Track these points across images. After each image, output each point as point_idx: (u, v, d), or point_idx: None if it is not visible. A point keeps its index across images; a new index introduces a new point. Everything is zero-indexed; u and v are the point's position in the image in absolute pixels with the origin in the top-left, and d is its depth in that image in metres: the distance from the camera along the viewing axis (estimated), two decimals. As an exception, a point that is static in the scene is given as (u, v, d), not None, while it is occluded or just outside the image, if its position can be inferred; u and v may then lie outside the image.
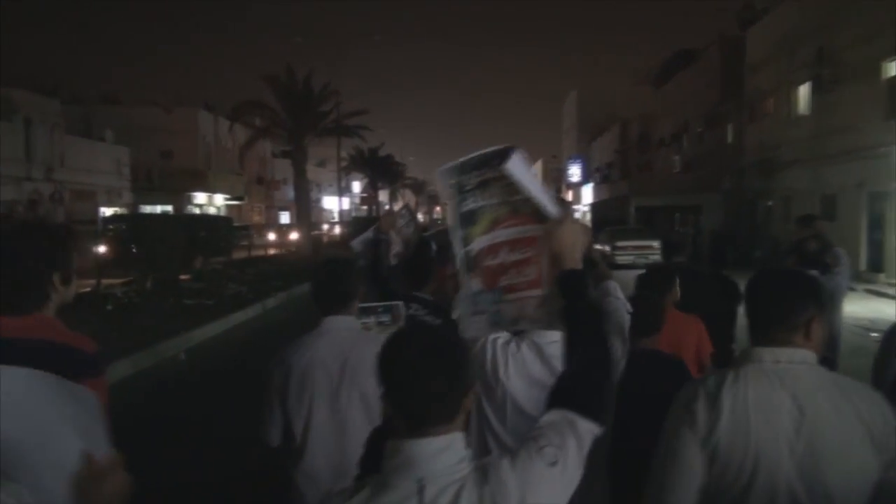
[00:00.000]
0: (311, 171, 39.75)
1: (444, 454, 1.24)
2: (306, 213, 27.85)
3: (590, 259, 2.26)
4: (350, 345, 2.40)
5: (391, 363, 1.27)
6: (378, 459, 1.29)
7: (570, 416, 1.36)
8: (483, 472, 1.24)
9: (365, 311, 2.79)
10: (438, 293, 3.41)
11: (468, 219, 1.73)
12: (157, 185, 37.52)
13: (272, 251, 28.21)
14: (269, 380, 2.43)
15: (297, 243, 30.30)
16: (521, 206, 1.66)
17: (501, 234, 1.70)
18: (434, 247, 4.75)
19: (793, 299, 1.70)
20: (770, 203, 23.37)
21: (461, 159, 1.70)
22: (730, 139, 27.02)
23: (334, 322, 2.46)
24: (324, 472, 2.33)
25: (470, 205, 1.71)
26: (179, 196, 37.96)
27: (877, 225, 16.81)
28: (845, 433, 1.58)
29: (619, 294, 2.34)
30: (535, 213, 1.66)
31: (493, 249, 1.71)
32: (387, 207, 57.23)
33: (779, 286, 1.76)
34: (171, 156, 38.94)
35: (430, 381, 1.23)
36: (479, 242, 1.73)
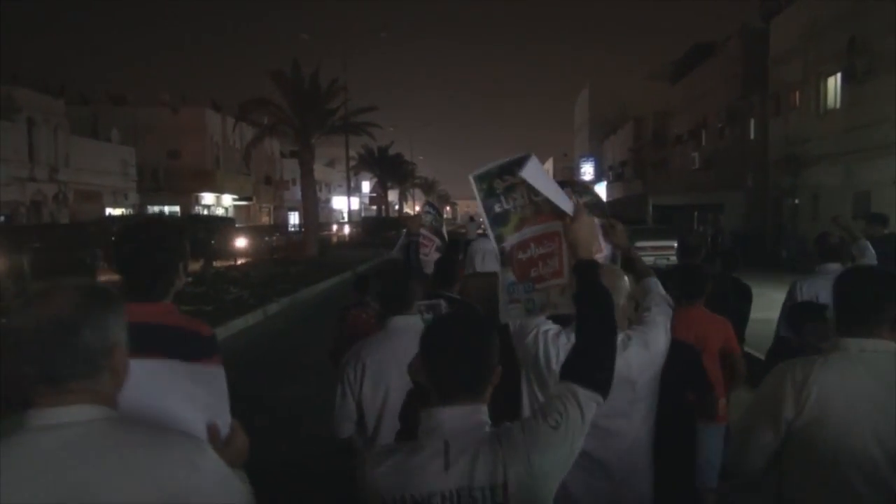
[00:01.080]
0: (320, 171, 39.17)
1: (467, 420, 1.51)
2: (313, 212, 27.21)
3: (629, 258, 2.60)
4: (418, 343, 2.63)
5: (430, 344, 1.57)
6: (411, 414, 1.70)
7: (573, 387, 1.56)
8: (497, 436, 1.51)
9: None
10: (464, 292, 3.72)
11: (500, 219, 1.95)
12: (163, 185, 37.08)
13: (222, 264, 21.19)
14: (342, 376, 2.68)
15: (244, 251, 25.09)
16: (543, 206, 1.88)
17: (529, 232, 1.93)
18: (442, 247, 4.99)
19: (883, 296, 1.87)
20: (797, 201, 22.39)
21: (488, 166, 1.94)
22: (752, 135, 26.01)
23: (401, 321, 2.74)
24: None
25: (500, 207, 1.94)
26: (186, 197, 37.49)
27: (915, 223, 15.94)
28: None
29: (660, 289, 2.49)
30: (556, 211, 1.86)
31: (522, 246, 1.94)
32: (396, 208, 57.04)
33: (870, 283, 1.93)
34: (178, 156, 38.38)
35: (459, 360, 1.52)
36: (510, 240, 1.96)
